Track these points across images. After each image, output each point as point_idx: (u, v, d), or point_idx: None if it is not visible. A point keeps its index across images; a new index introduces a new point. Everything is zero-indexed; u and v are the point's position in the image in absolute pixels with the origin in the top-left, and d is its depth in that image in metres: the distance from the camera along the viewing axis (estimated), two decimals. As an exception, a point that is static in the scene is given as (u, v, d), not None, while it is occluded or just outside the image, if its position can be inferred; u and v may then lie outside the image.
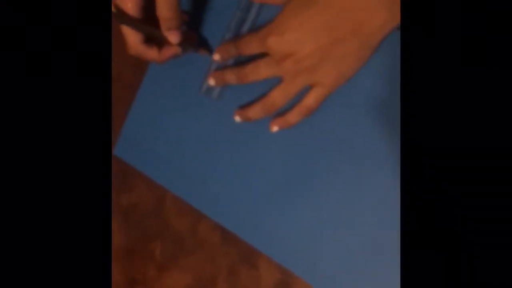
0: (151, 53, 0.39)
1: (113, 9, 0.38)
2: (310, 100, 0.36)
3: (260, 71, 0.37)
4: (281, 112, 0.38)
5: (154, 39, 0.39)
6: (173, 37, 0.37)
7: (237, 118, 0.39)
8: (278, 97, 0.37)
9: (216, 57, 0.40)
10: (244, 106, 0.40)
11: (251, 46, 0.37)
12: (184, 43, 0.39)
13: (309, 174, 0.38)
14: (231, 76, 0.39)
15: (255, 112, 0.38)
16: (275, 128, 0.38)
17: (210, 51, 0.42)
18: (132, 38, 0.38)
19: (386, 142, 0.36)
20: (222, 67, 0.41)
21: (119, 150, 0.46)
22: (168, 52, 0.40)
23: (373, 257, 0.36)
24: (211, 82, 0.40)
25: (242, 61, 0.39)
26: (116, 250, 0.47)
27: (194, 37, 0.42)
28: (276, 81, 0.38)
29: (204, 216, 0.43)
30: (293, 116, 0.37)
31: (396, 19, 0.32)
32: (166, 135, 0.44)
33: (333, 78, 0.35)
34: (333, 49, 0.33)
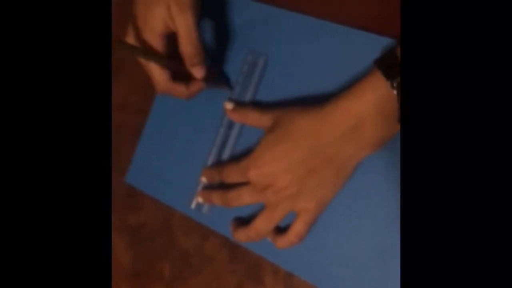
0: (179, 89, 0.41)
1: (140, 47, 0.39)
2: (297, 227, 0.37)
3: (244, 198, 0.38)
4: (275, 232, 0.39)
5: (179, 75, 0.40)
6: (198, 72, 0.39)
7: (231, 230, 0.41)
8: (262, 225, 0.38)
9: (203, 179, 0.42)
10: (238, 223, 0.41)
11: (233, 176, 0.39)
12: (207, 78, 0.41)
13: None
14: (216, 199, 0.41)
15: (242, 236, 0.39)
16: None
17: (230, 86, 0.44)
18: (159, 75, 0.40)
19: (387, 149, 0.37)
20: (210, 186, 0.43)
21: (130, 178, 0.48)
22: (194, 87, 0.41)
23: (376, 259, 0.37)
24: (200, 200, 0.43)
25: (227, 185, 0.40)
26: (125, 270, 0.47)
27: (215, 72, 0.44)
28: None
29: (211, 234, 0.44)
30: (283, 243, 0.38)
31: (366, 150, 0.35)
32: (175, 160, 0.46)
33: (314, 204, 0.36)
34: (310, 179, 0.35)
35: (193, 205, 0.44)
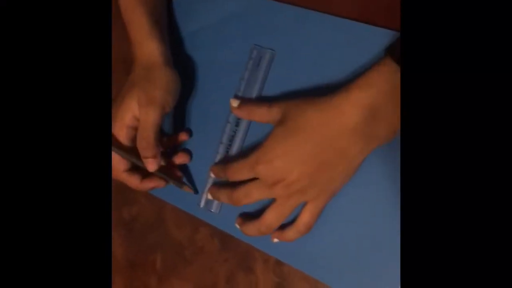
0: (132, 181, 0.42)
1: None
2: (306, 218, 0.37)
3: (253, 195, 0.38)
4: (282, 226, 0.38)
5: (139, 168, 0.42)
6: (149, 165, 0.40)
7: (237, 226, 0.41)
8: (272, 219, 0.37)
9: (212, 175, 0.42)
10: (245, 218, 0.40)
11: (241, 172, 0.38)
12: (168, 177, 0.42)
13: None
14: (224, 198, 0.40)
15: (252, 230, 0.39)
16: (275, 240, 0.39)
17: (195, 189, 0.44)
18: (117, 164, 0.41)
19: (386, 150, 0.37)
20: (219, 182, 0.42)
21: None
22: (149, 183, 0.42)
23: (372, 251, 0.37)
24: (209, 196, 0.42)
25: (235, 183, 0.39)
26: (118, 262, 0.48)
27: (179, 174, 0.44)
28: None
29: (201, 225, 0.44)
30: (291, 234, 0.38)
31: (376, 143, 0.35)
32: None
33: (324, 197, 0.37)
34: (320, 172, 0.35)
35: (202, 204, 0.44)
